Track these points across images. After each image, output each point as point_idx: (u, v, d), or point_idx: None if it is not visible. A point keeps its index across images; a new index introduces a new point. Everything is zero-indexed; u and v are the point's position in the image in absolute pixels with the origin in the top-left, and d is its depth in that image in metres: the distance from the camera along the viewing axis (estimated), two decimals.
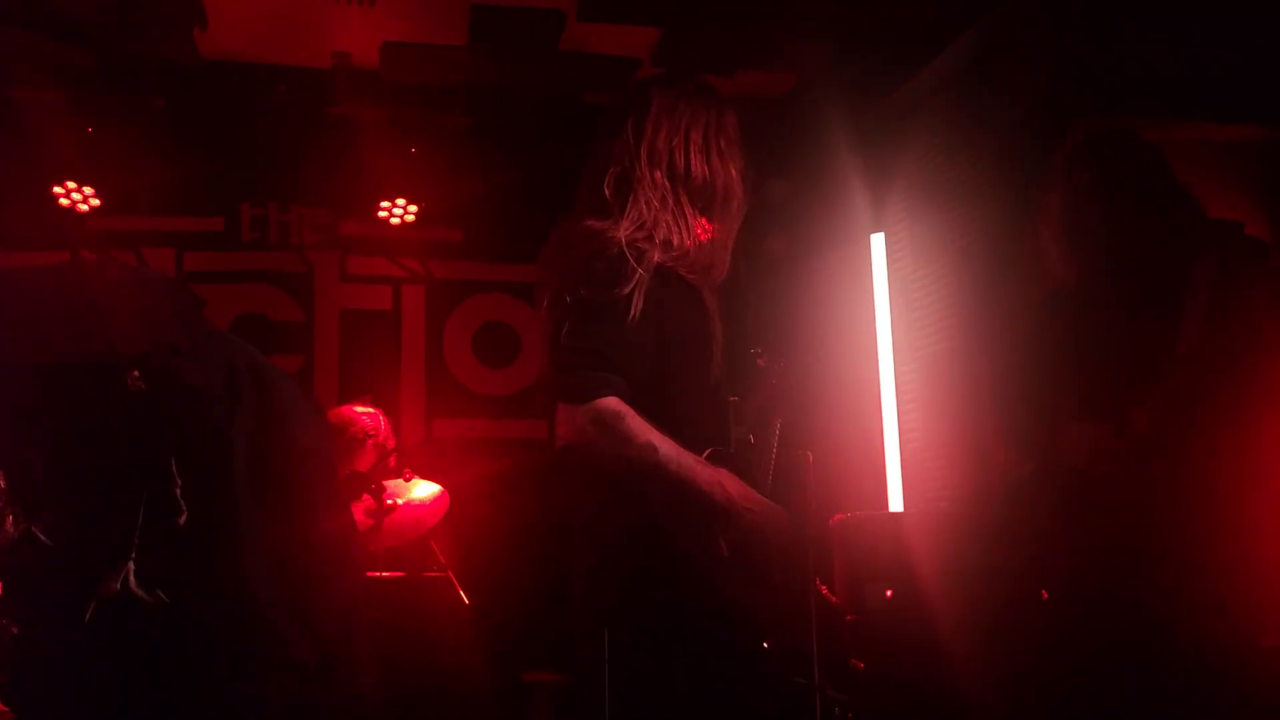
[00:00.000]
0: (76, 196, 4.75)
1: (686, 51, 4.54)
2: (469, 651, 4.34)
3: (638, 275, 1.95)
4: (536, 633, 4.33)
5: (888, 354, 4.44)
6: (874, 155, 4.65)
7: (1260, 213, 3.45)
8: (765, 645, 2.02)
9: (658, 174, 2.06)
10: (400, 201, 5.02)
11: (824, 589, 3.47)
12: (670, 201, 2.06)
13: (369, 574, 3.63)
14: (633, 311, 1.93)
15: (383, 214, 5.03)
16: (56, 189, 4.72)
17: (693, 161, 2.09)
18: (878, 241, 4.62)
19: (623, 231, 2.00)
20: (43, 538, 1.78)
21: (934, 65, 4.19)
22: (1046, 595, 2.58)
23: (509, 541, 4.74)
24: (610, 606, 2.01)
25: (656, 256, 2.01)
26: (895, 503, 4.21)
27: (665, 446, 1.88)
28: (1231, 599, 2.35)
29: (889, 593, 3.32)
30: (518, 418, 5.30)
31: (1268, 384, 2.38)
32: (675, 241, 2.04)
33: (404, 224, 5.08)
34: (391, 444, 3.98)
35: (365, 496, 3.95)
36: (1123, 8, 3.46)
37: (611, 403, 1.88)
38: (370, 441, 3.84)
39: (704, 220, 2.10)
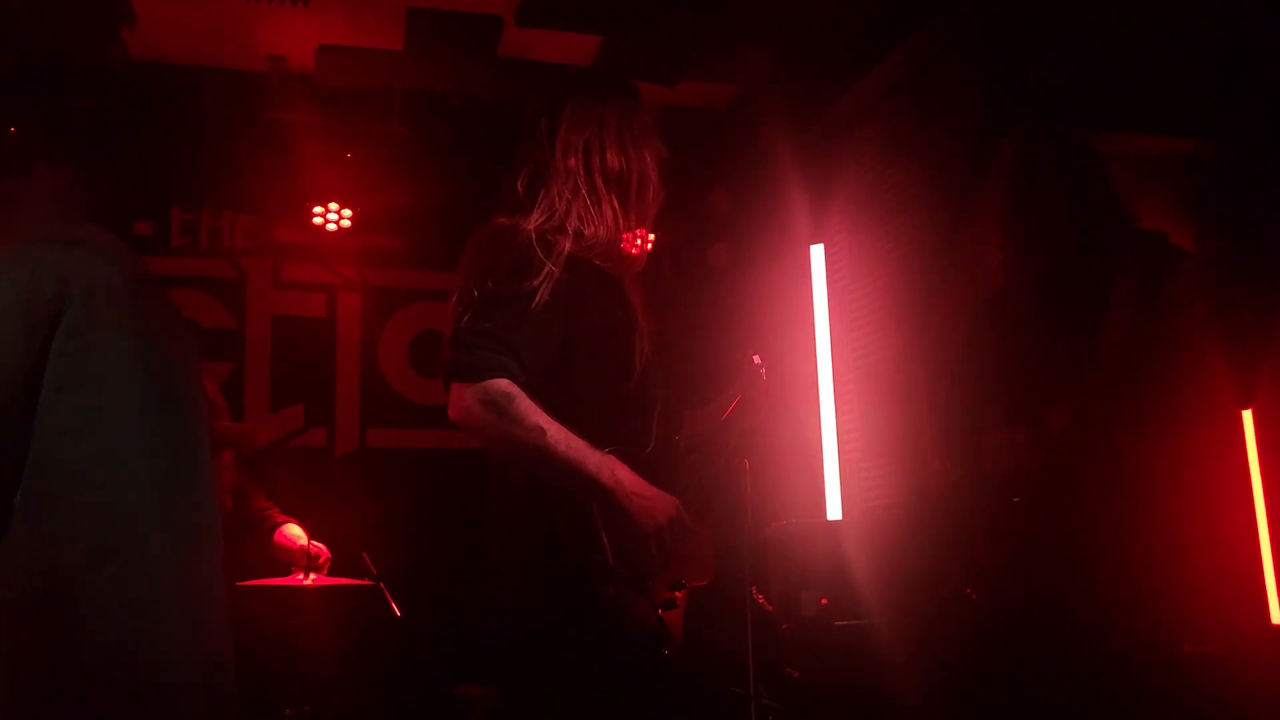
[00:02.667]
0: None
1: (628, 60, 4.53)
2: (400, 663, 4.27)
3: (545, 267, 1.95)
4: (468, 645, 4.26)
5: (826, 363, 4.46)
6: (814, 167, 4.68)
7: (1185, 223, 3.51)
8: (665, 653, 1.98)
9: (570, 162, 2.08)
10: (334, 207, 4.95)
11: (759, 597, 3.45)
12: (583, 190, 2.07)
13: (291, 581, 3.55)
14: (536, 301, 1.93)
15: (317, 220, 4.96)
16: None
17: (607, 151, 2.11)
18: (817, 252, 4.65)
19: (532, 224, 2.01)
20: None
21: (871, 78, 4.23)
22: (974, 595, 2.59)
23: (442, 552, 4.67)
24: (514, 617, 2.00)
25: (568, 247, 2.01)
26: (833, 510, 4.22)
27: (553, 429, 1.88)
28: (1151, 603, 2.37)
29: (824, 600, 3.31)
30: (455, 427, 5.22)
31: (1186, 390, 2.41)
32: (589, 231, 2.05)
33: (339, 230, 5.01)
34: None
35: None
36: (1053, 21, 3.51)
37: (501, 384, 1.87)
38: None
39: (620, 209, 2.10)
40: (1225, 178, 3.70)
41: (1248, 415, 3.66)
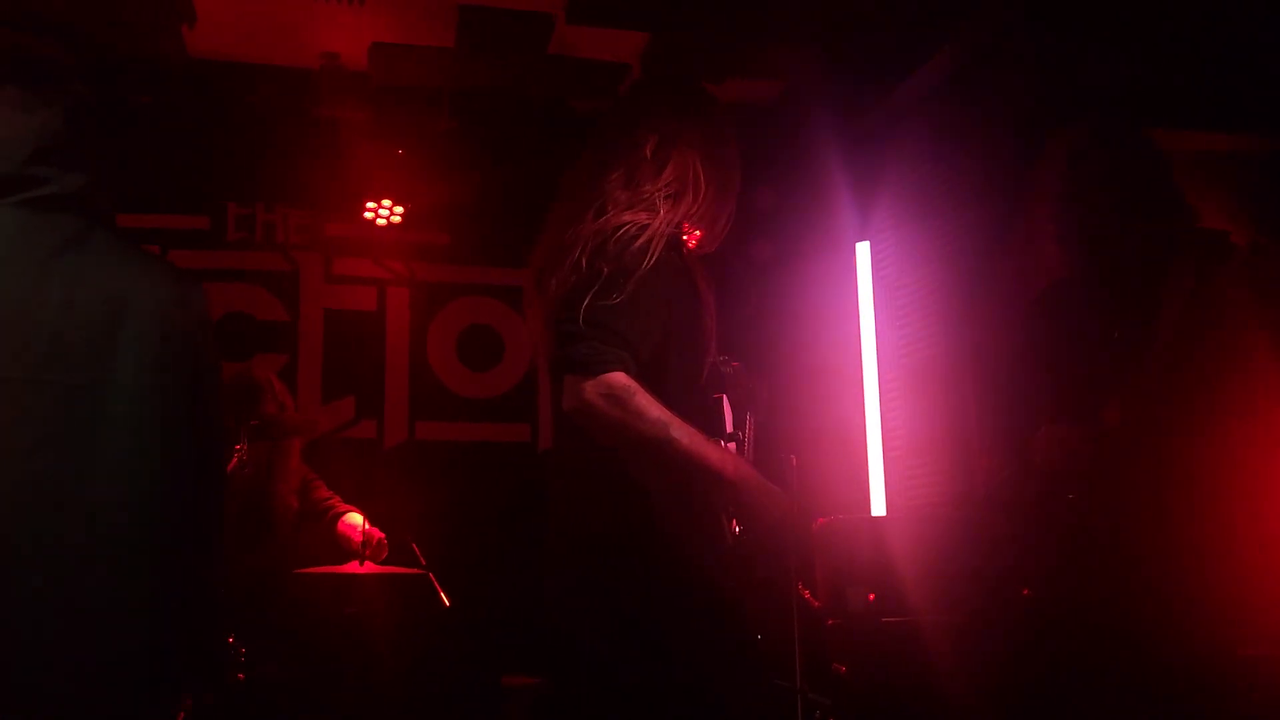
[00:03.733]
0: None
1: (675, 57, 4.56)
2: (447, 652, 4.32)
3: (659, 258, 1.96)
4: (516, 636, 4.31)
5: (872, 360, 4.46)
6: (860, 164, 4.68)
7: (1238, 220, 3.47)
8: (759, 638, 2.02)
9: (705, 147, 2.12)
10: (386, 203, 5.01)
11: (806, 593, 3.47)
12: (701, 175, 2.10)
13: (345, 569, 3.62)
14: (646, 292, 1.93)
15: (368, 215, 5.03)
16: None
17: (727, 151, 2.16)
18: (863, 249, 4.65)
19: (651, 196, 2.04)
20: None
21: (919, 74, 4.22)
22: (1027, 593, 2.59)
23: (490, 544, 4.73)
24: (603, 605, 1.97)
25: (672, 239, 2.04)
26: (878, 507, 4.22)
27: (677, 423, 1.88)
28: (1207, 605, 2.36)
29: (871, 596, 3.32)
30: (501, 421, 5.29)
31: (1235, 388, 2.40)
32: (686, 216, 2.08)
33: (390, 225, 5.07)
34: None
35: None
36: (1102, 16, 3.49)
37: (620, 377, 1.86)
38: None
39: (717, 209, 2.15)
40: (1273, 172, 3.66)
41: None
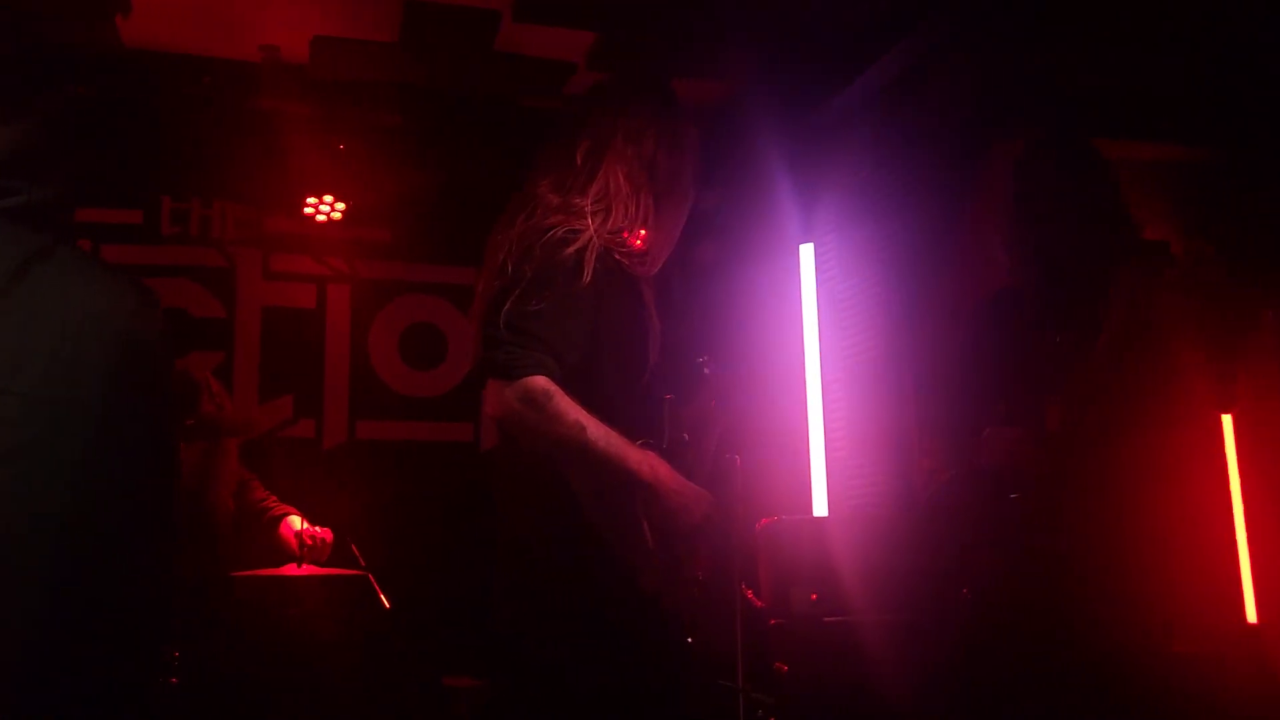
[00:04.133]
0: None
1: (622, 57, 4.55)
2: (388, 654, 4.27)
3: (583, 260, 1.97)
4: (457, 637, 4.27)
5: (814, 362, 4.50)
6: (804, 166, 4.72)
7: (1172, 228, 3.57)
8: (689, 641, 2.03)
9: (629, 149, 2.12)
10: (327, 199, 4.93)
11: (749, 593, 3.49)
12: (633, 177, 2.10)
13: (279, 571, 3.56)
14: (572, 295, 1.94)
15: (309, 211, 4.94)
16: None
17: (660, 151, 2.15)
18: (807, 251, 4.69)
19: (581, 207, 2.04)
20: None
21: (864, 78, 4.26)
22: (967, 592, 2.63)
23: (432, 544, 4.68)
24: (533, 607, 2.00)
25: (605, 237, 2.02)
26: (820, 507, 4.26)
27: (593, 426, 1.90)
28: (1143, 604, 2.42)
29: (814, 596, 3.35)
30: (443, 420, 5.24)
31: (1170, 395, 2.46)
32: (623, 224, 2.07)
33: (330, 222, 4.99)
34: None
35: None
36: (1046, 27, 3.56)
37: (540, 381, 1.89)
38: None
39: (653, 210, 2.13)
40: (1211, 184, 3.77)
41: (1227, 420, 3.74)
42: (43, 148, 1.70)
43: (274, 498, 3.98)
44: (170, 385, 1.81)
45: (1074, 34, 3.48)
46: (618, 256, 2.08)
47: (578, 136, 2.14)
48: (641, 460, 1.93)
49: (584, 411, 1.89)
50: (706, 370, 2.26)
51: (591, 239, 2.00)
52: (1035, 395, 2.48)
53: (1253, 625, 3.72)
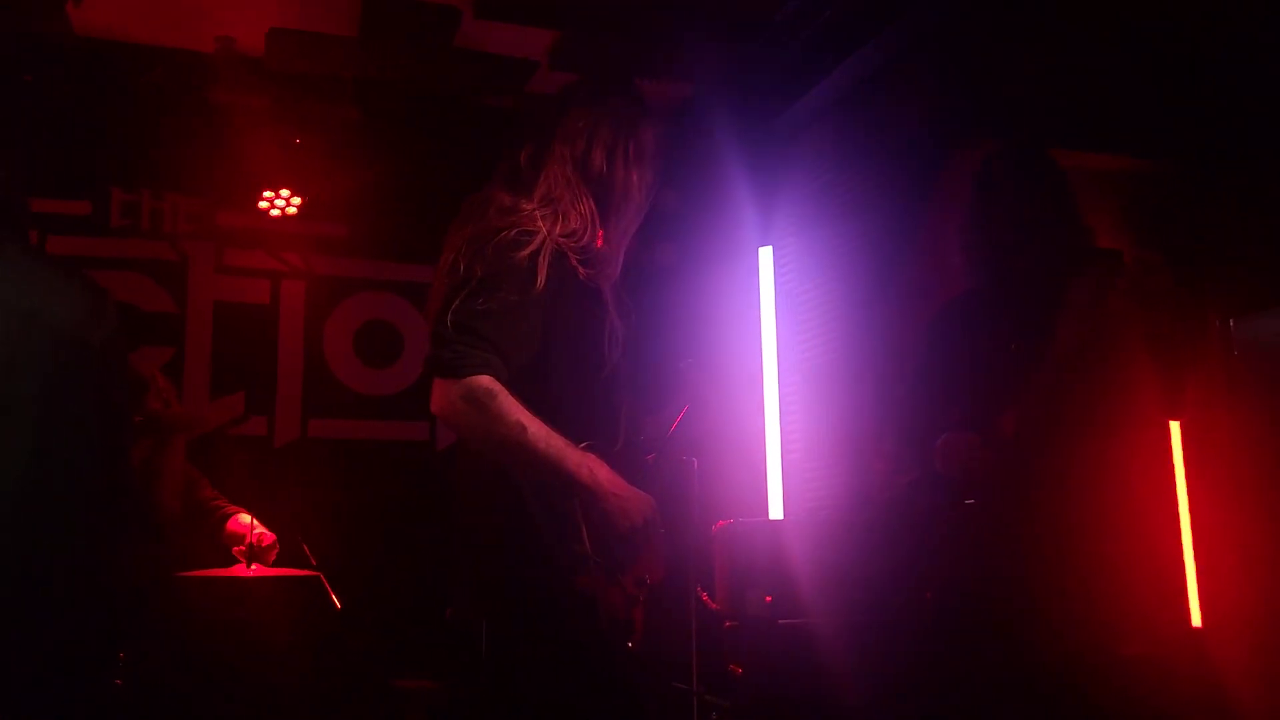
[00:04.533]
0: None
1: (584, 56, 4.54)
2: (338, 655, 4.22)
3: (531, 253, 1.96)
4: (409, 639, 4.24)
5: (772, 364, 4.51)
6: (765, 169, 4.73)
7: (1126, 239, 3.62)
8: (630, 645, 2.02)
9: (564, 149, 2.11)
10: (283, 193, 4.87)
11: (704, 595, 3.49)
12: (572, 183, 2.09)
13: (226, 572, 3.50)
14: (521, 294, 1.94)
15: (263, 205, 4.87)
16: None
17: (594, 150, 2.13)
18: (766, 254, 4.70)
19: (530, 211, 2.03)
20: None
21: (825, 84, 4.29)
22: (930, 596, 2.65)
23: (385, 545, 4.64)
24: (477, 602, 2.02)
25: (558, 240, 2.02)
26: (775, 510, 4.27)
27: (534, 426, 1.90)
28: (1093, 606, 2.45)
29: (768, 599, 3.35)
30: (399, 419, 5.18)
31: (1120, 401, 2.50)
32: (575, 226, 2.06)
33: (285, 217, 4.92)
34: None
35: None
36: (1007, 36, 3.60)
37: (484, 380, 1.89)
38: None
39: (595, 213, 2.12)
40: (1161, 194, 3.83)
41: (1175, 425, 3.80)
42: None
43: (223, 497, 3.91)
44: (121, 386, 1.78)
45: (1031, 44, 3.52)
46: (574, 260, 2.07)
47: (526, 139, 2.13)
48: (580, 463, 1.93)
49: (526, 412, 1.90)
50: (686, 372, 2.26)
51: (545, 242, 1.99)
52: (991, 401, 2.51)
53: (1197, 629, 3.78)
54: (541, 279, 1.96)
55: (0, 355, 1.61)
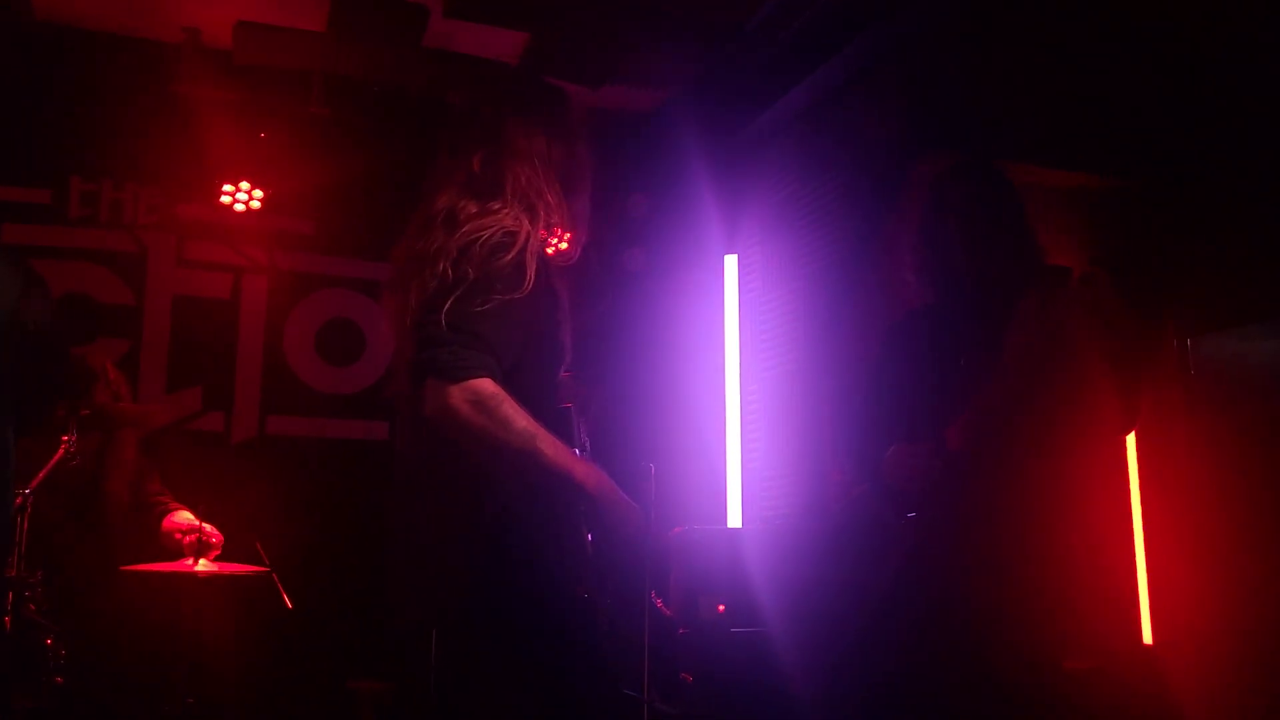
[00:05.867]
0: None
1: (554, 59, 4.53)
2: (290, 655, 4.18)
3: (518, 253, 1.93)
4: (362, 639, 4.20)
5: (734, 372, 4.51)
6: (732, 178, 4.74)
7: (1077, 255, 3.66)
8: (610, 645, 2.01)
9: (523, 143, 2.08)
10: (245, 187, 4.81)
11: (658, 601, 3.48)
12: (540, 176, 2.07)
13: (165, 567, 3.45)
14: (511, 294, 1.90)
15: (225, 199, 4.82)
16: None
17: (553, 140, 2.12)
18: (731, 262, 4.71)
19: (506, 211, 1.99)
20: None
21: (790, 96, 4.31)
22: (877, 605, 2.65)
23: (341, 544, 4.59)
24: (445, 605, 1.95)
25: (535, 232, 2.00)
26: (734, 518, 4.27)
27: (543, 434, 1.86)
28: (1034, 619, 2.45)
29: (721, 607, 3.35)
30: (359, 417, 5.14)
31: (1072, 414, 2.51)
32: (551, 220, 2.06)
33: (249, 211, 4.87)
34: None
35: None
36: (965, 54, 3.63)
37: (487, 384, 1.83)
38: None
39: (560, 199, 2.11)
40: (1115, 211, 3.87)
41: (1130, 440, 3.83)
42: None
43: (168, 493, 3.86)
44: (56, 366, 1.75)
45: (996, 60, 3.55)
46: (548, 257, 2.06)
47: (468, 145, 2.10)
48: (588, 473, 1.90)
49: (530, 417, 1.86)
50: (565, 378, 2.25)
51: (529, 242, 1.96)
52: (939, 414, 2.51)
53: (1148, 645, 3.81)
54: (530, 278, 1.92)
55: None
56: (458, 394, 1.82)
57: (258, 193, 4.83)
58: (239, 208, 4.84)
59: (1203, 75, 3.31)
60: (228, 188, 4.80)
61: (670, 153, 4.94)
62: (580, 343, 2.22)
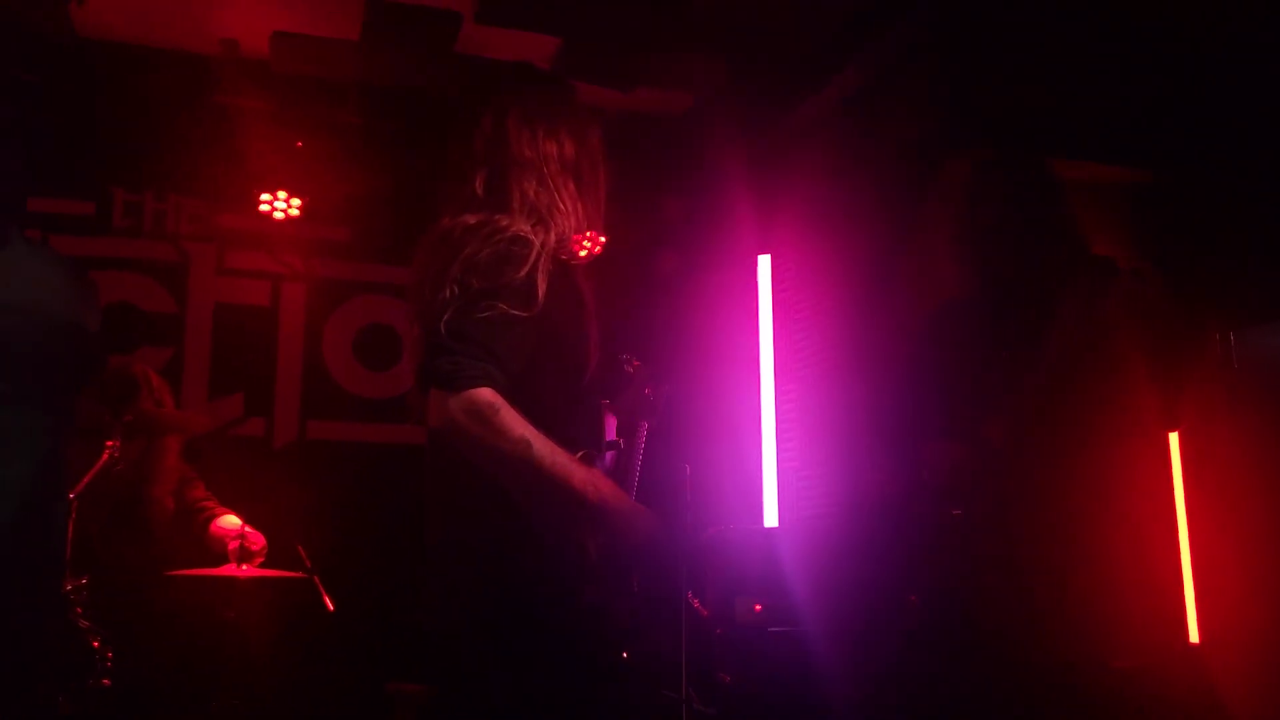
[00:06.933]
0: None
1: (585, 63, 4.54)
2: (331, 658, 4.22)
3: (527, 265, 1.92)
4: (401, 642, 4.23)
5: (769, 372, 4.50)
6: (764, 178, 4.73)
7: (1121, 248, 3.60)
8: (624, 656, 2.00)
9: (527, 153, 2.05)
10: (283, 195, 4.88)
11: (695, 602, 3.47)
12: (547, 179, 2.05)
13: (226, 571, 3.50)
14: (517, 302, 1.89)
15: (265, 208, 4.88)
16: None
17: (562, 139, 2.10)
18: (764, 262, 4.69)
19: (514, 220, 1.98)
20: None
21: (822, 94, 4.29)
22: (916, 601, 2.63)
23: (381, 547, 4.63)
24: (470, 611, 1.96)
25: (548, 243, 1.99)
26: (770, 518, 4.25)
27: (540, 442, 1.84)
28: (1080, 618, 2.43)
29: (757, 606, 3.34)
30: (397, 422, 5.19)
31: (1115, 410, 2.48)
32: (556, 222, 2.04)
33: (287, 219, 4.93)
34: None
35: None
36: (1000, 48, 3.59)
37: (486, 393, 1.82)
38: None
39: (577, 197, 2.09)
40: (1158, 205, 3.81)
41: (1174, 437, 3.77)
42: None
43: (214, 498, 3.92)
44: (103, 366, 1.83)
45: (1030, 52, 3.51)
46: (563, 257, 2.05)
47: (472, 165, 2.08)
48: (586, 480, 1.88)
49: (530, 426, 1.84)
50: (629, 369, 2.24)
51: (539, 254, 1.95)
52: (978, 410, 2.49)
53: (1194, 645, 3.75)
54: (541, 289, 1.91)
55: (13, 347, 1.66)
56: (455, 403, 1.81)
57: (295, 201, 4.90)
58: (277, 216, 4.91)
59: (1246, 66, 3.26)
60: (266, 196, 4.87)
61: (703, 154, 4.94)
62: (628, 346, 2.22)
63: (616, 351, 2.29)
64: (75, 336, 1.74)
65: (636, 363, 2.25)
